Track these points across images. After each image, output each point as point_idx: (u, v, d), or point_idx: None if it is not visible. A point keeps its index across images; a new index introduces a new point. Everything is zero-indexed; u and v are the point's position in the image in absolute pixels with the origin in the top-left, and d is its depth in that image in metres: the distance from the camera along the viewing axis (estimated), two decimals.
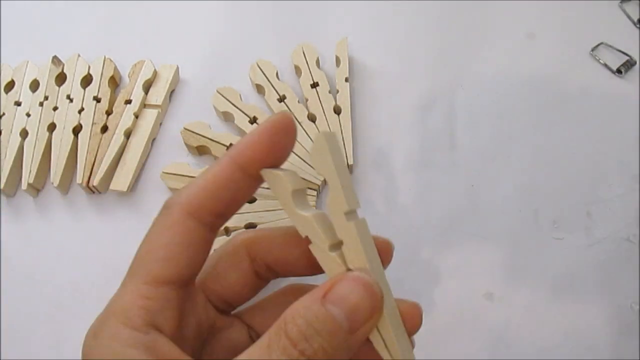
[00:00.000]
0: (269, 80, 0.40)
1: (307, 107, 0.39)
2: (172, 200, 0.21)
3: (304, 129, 0.38)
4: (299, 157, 0.37)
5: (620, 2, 0.44)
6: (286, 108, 0.39)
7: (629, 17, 0.44)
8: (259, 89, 0.41)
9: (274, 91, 0.40)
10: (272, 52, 0.42)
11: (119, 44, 0.44)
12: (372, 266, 0.20)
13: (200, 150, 0.39)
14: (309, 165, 0.37)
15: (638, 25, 0.43)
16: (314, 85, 0.40)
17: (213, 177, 0.21)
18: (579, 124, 0.39)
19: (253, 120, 0.39)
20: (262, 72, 0.41)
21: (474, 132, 0.39)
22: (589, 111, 0.40)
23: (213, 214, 0.21)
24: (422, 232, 0.36)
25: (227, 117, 0.40)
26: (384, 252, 0.22)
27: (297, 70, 0.41)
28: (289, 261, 0.22)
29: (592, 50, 0.42)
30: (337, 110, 0.39)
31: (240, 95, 0.40)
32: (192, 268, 0.21)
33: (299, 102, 0.39)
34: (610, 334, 0.33)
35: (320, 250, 0.20)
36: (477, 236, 0.36)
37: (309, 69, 0.41)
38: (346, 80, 0.40)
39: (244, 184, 0.21)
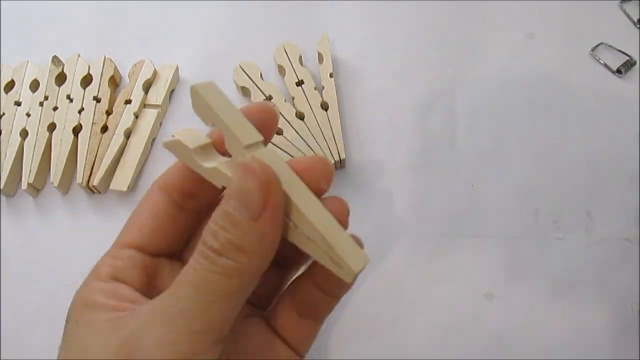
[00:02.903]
0: (253, 82, 0.40)
1: (294, 106, 0.39)
2: (159, 177, 0.24)
3: (293, 127, 0.38)
4: (291, 156, 0.37)
5: (620, 2, 0.44)
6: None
7: (629, 17, 0.44)
8: (244, 91, 0.41)
9: (260, 92, 0.40)
10: (273, 51, 0.42)
11: (119, 44, 0.44)
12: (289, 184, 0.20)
13: None
14: None
15: (638, 25, 0.43)
16: (299, 83, 0.40)
17: None
18: (578, 124, 0.39)
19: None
20: (246, 74, 0.41)
21: (474, 132, 0.39)
22: (589, 111, 0.40)
23: (181, 191, 0.23)
24: (422, 232, 0.36)
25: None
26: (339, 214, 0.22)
27: (281, 69, 0.41)
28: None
29: (592, 50, 0.42)
30: (325, 107, 0.39)
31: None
32: (157, 237, 0.23)
33: (285, 101, 0.39)
34: (610, 334, 0.33)
35: None
36: (477, 236, 0.36)
37: (293, 67, 0.41)
38: (330, 75, 0.40)
39: None
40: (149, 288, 0.22)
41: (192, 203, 0.23)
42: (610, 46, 0.42)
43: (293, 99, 0.39)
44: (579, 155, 0.38)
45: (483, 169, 0.38)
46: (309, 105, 0.39)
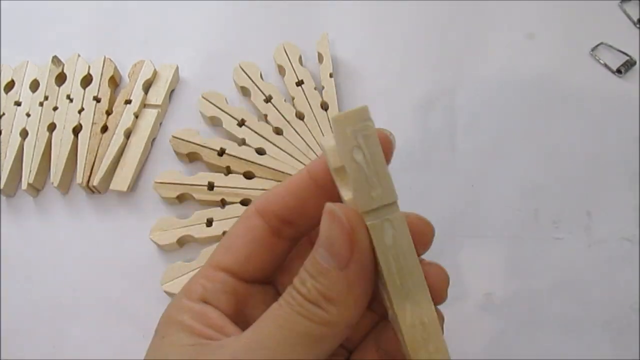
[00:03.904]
0: (253, 82, 0.40)
1: (294, 106, 0.39)
2: (257, 198, 0.24)
3: (293, 127, 0.38)
4: (291, 156, 0.37)
5: (620, 2, 0.44)
6: (273, 108, 0.39)
7: (628, 17, 0.44)
8: (244, 91, 0.41)
9: (260, 92, 0.40)
10: (273, 51, 0.42)
11: (119, 44, 0.44)
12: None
13: (191, 157, 0.38)
14: (302, 164, 0.37)
15: (638, 25, 0.43)
16: (299, 83, 0.40)
17: (286, 183, 0.22)
18: (579, 124, 0.39)
19: (241, 123, 0.38)
20: (246, 74, 0.41)
21: (474, 132, 0.39)
22: (589, 111, 0.40)
23: (279, 218, 0.22)
24: None
25: (214, 121, 0.40)
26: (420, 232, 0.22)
27: (281, 69, 0.41)
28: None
29: (592, 50, 0.42)
30: (325, 107, 0.39)
31: (226, 99, 0.40)
32: (252, 264, 0.22)
33: (285, 101, 0.39)
34: (610, 334, 0.33)
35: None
36: (477, 236, 0.36)
37: (293, 67, 0.41)
38: (330, 75, 0.40)
39: (313, 194, 0.21)
40: (239, 314, 0.22)
41: (290, 230, 0.22)
42: (610, 46, 0.42)
43: (293, 99, 0.39)
44: (579, 155, 0.38)
45: (483, 168, 0.38)
46: (309, 105, 0.39)
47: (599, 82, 0.41)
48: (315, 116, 0.39)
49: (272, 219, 0.22)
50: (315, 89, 0.40)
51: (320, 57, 0.41)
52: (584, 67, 0.42)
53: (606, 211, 0.36)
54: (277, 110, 0.39)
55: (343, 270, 0.19)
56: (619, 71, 0.41)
